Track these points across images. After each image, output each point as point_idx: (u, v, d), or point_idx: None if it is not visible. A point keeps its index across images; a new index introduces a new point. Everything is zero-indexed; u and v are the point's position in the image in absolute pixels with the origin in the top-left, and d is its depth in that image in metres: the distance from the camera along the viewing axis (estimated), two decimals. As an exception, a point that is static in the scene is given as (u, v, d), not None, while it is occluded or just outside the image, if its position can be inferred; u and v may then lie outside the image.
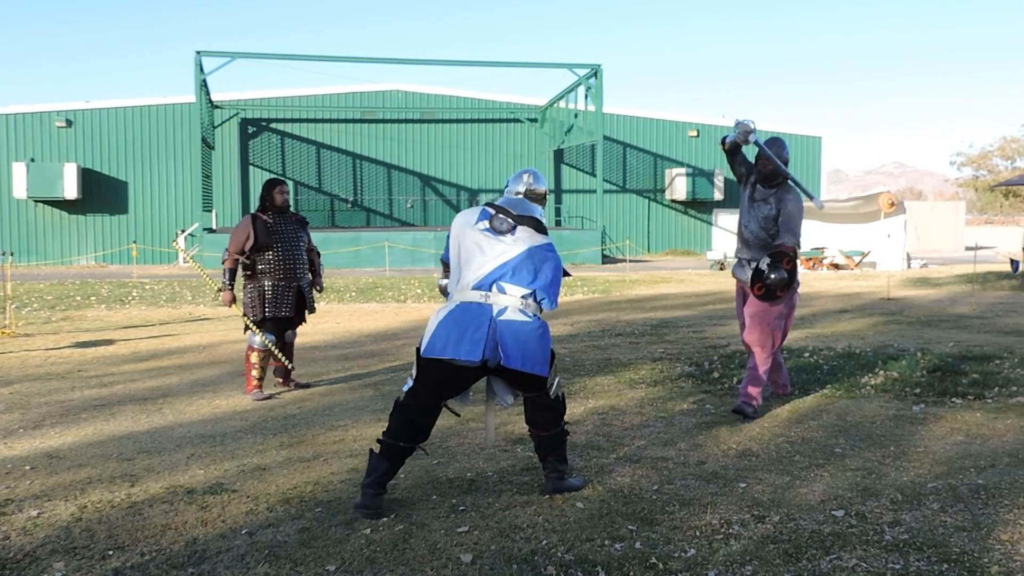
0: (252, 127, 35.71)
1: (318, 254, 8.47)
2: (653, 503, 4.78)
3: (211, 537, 4.37)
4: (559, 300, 5.21)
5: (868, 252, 27.01)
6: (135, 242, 31.18)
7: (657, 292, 19.06)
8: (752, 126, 6.86)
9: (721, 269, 27.36)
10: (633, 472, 5.35)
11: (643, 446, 5.97)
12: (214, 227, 32.25)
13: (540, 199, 5.15)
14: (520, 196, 5.10)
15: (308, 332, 12.40)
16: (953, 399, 7.33)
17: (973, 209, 77.14)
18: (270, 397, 7.95)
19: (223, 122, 35.03)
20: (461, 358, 4.61)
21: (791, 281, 6.86)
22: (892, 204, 25.71)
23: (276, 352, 7.92)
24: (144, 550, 4.21)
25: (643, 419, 6.76)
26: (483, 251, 4.81)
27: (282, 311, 7.95)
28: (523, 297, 4.72)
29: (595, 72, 30.98)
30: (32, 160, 32.76)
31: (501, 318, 4.65)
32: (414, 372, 4.83)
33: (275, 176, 9.29)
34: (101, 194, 33.60)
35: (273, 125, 35.84)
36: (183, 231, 32.67)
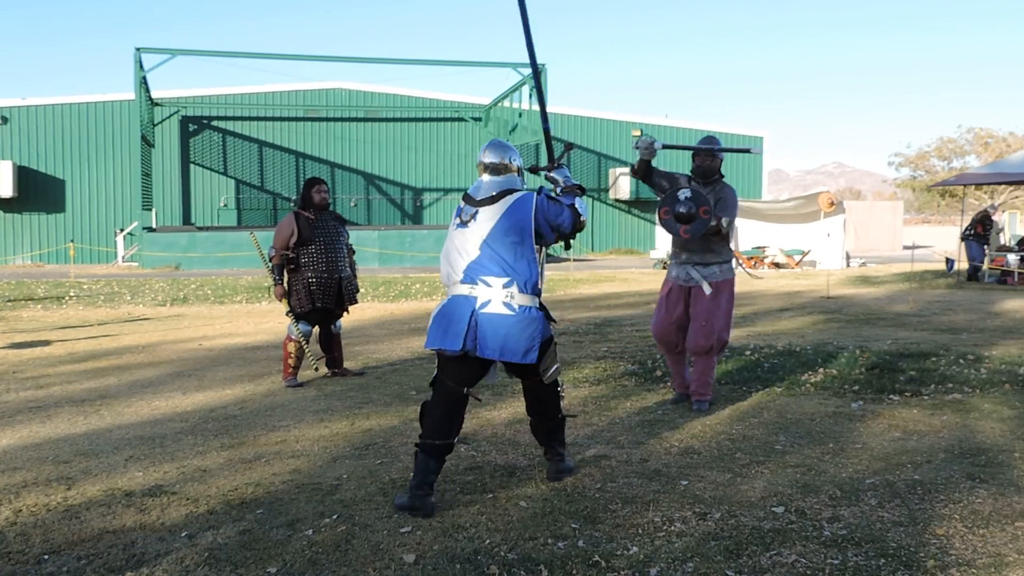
0: (193, 125, 35.28)
1: (353, 252, 8.85)
2: (596, 501, 4.80)
3: (150, 540, 4.30)
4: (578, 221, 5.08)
5: (808, 251, 27.37)
6: (72, 241, 30.68)
7: (601, 291, 19.16)
8: (650, 138, 6.66)
9: (664, 267, 27.53)
10: (576, 470, 5.37)
11: (586, 444, 5.99)
12: (154, 226, 31.83)
13: (497, 169, 5.04)
14: (486, 176, 5.06)
15: (250, 332, 12.29)
16: (891, 396, 7.45)
17: (911, 209, 78.39)
18: (302, 385, 8.27)
19: (163, 120, 34.57)
20: (446, 348, 4.81)
21: (690, 221, 6.66)
22: (832, 204, 26.11)
23: (304, 345, 8.31)
24: (81, 554, 4.14)
25: (586, 417, 6.78)
26: (457, 248, 4.93)
27: (326, 302, 8.39)
28: (504, 287, 4.80)
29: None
30: (-34, 158, 32.10)
31: (483, 311, 4.79)
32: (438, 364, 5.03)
33: (314, 176, 9.58)
34: (38, 192, 33.01)
35: (215, 123, 35.44)
36: (122, 230, 32.23)
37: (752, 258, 27.20)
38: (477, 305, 4.79)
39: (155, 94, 33.26)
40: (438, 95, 37.83)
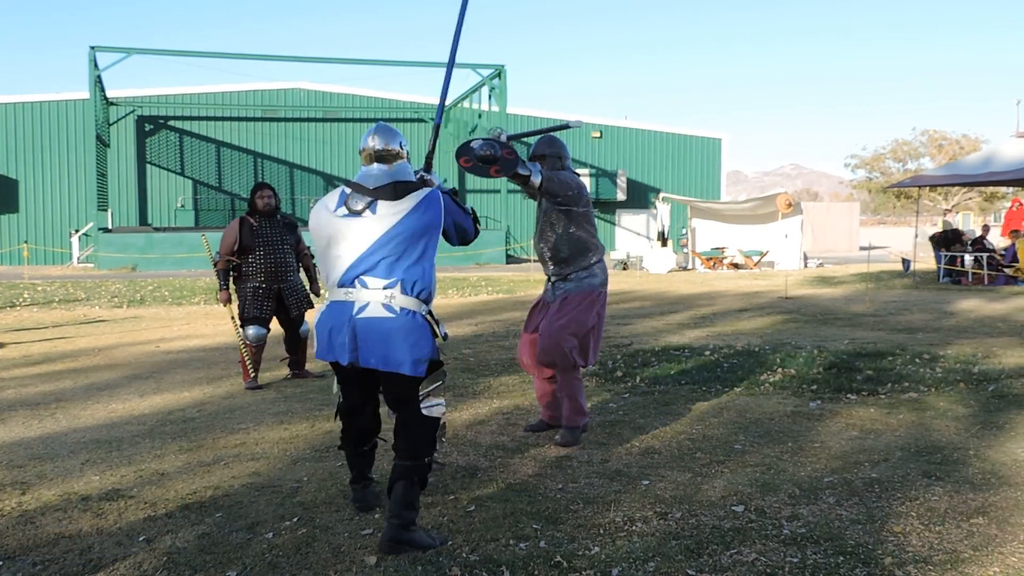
0: (149, 124, 34.94)
1: (311, 256, 8.71)
2: (557, 502, 4.80)
3: (107, 545, 4.25)
4: (474, 240, 4.79)
5: (767, 252, 27.58)
6: (26, 242, 30.26)
7: (561, 292, 19.14)
8: (499, 129, 6.11)
9: (625, 268, 27.69)
10: (537, 471, 5.37)
11: (547, 445, 5.99)
12: (109, 226, 31.46)
13: (387, 157, 4.50)
14: (375, 165, 4.49)
15: (208, 334, 12.19)
16: (848, 395, 7.52)
17: (867, 210, 79.39)
18: (263, 387, 8.25)
19: (119, 119, 34.21)
20: (338, 361, 4.34)
21: (496, 162, 5.84)
22: (789, 205, 26.30)
23: (244, 352, 8.29)
24: (36, 559, 4.07)
25: (548, 418, 6.77)
26: (340, 242, 4.32)
27: (263, 312, 8.32)
28: (385, 288, 4.22)
29: (499, 73, 31.07)
30: (-84, 157, 31.58)
31: (360, 316, 4.21)
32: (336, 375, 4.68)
33: (261, 181, 9.45)
34: (-10, 193, 32.54)
35: (171, 123, 35.12)
36: (77, 231, 31.83)
37: (711, 259, 27.39)
38: (354, 311, 4.23)
39: (110, 93, 32.91)
40: (397, 96, 37.77)
